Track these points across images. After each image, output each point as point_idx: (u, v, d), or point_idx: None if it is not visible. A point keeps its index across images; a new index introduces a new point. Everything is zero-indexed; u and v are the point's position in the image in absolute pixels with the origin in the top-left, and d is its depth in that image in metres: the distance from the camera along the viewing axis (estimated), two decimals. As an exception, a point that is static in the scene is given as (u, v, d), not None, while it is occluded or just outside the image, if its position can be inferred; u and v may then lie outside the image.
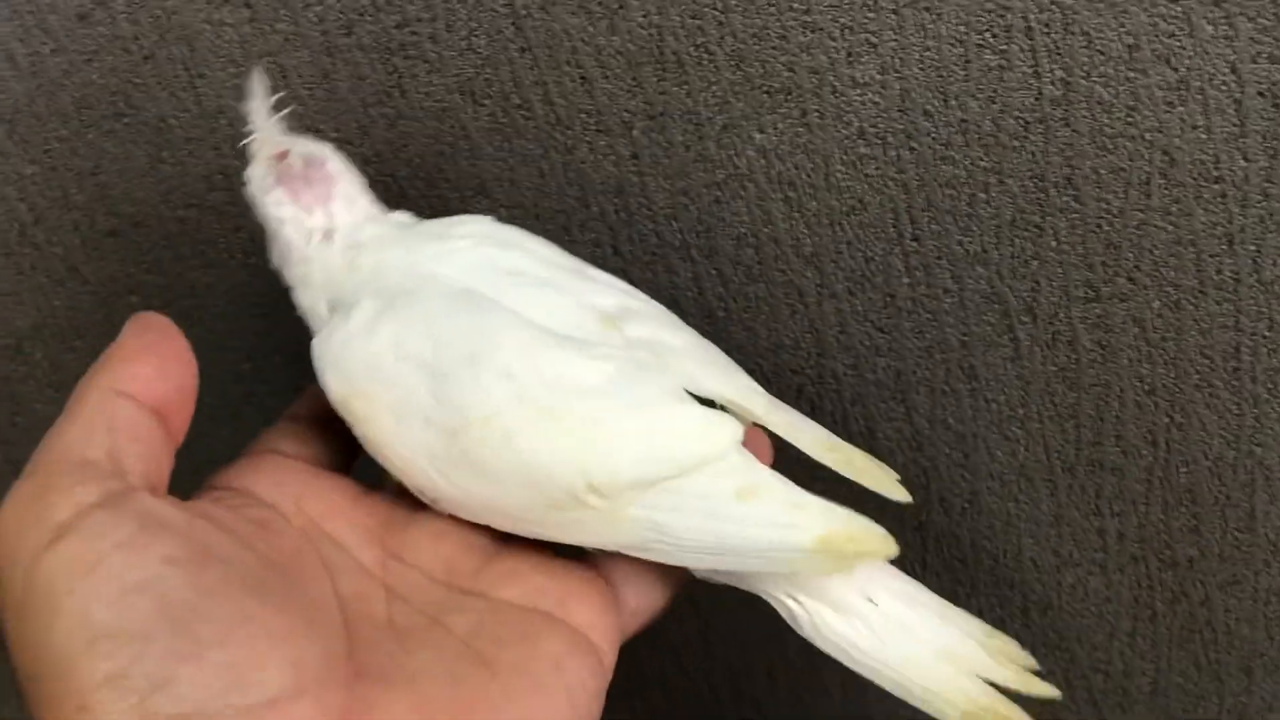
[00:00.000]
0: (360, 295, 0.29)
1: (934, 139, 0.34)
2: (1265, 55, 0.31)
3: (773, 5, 0.33)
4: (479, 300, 0.28)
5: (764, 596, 0.30)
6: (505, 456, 0.27)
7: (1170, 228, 0.34)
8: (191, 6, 0.34)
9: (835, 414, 0.39)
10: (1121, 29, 0.32)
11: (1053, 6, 0.32)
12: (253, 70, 0.30)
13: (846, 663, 0.29)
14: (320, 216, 0.30)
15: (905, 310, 0.37)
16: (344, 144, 0.36)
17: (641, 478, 0.27)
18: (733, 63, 0.33)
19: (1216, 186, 0.33)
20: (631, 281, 0.37)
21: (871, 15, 0.32)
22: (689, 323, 0.38)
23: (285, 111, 0.31)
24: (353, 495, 0.29)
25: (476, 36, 0.34)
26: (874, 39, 0.33)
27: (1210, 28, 0.31)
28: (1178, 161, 0.33)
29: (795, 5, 0.32)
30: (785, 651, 0.46)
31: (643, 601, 0.30)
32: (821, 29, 0.33)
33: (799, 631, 0.29)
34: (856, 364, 0.38)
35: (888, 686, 0.28)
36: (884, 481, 0.30)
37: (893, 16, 0.32)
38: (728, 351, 0.38)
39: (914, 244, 0.36)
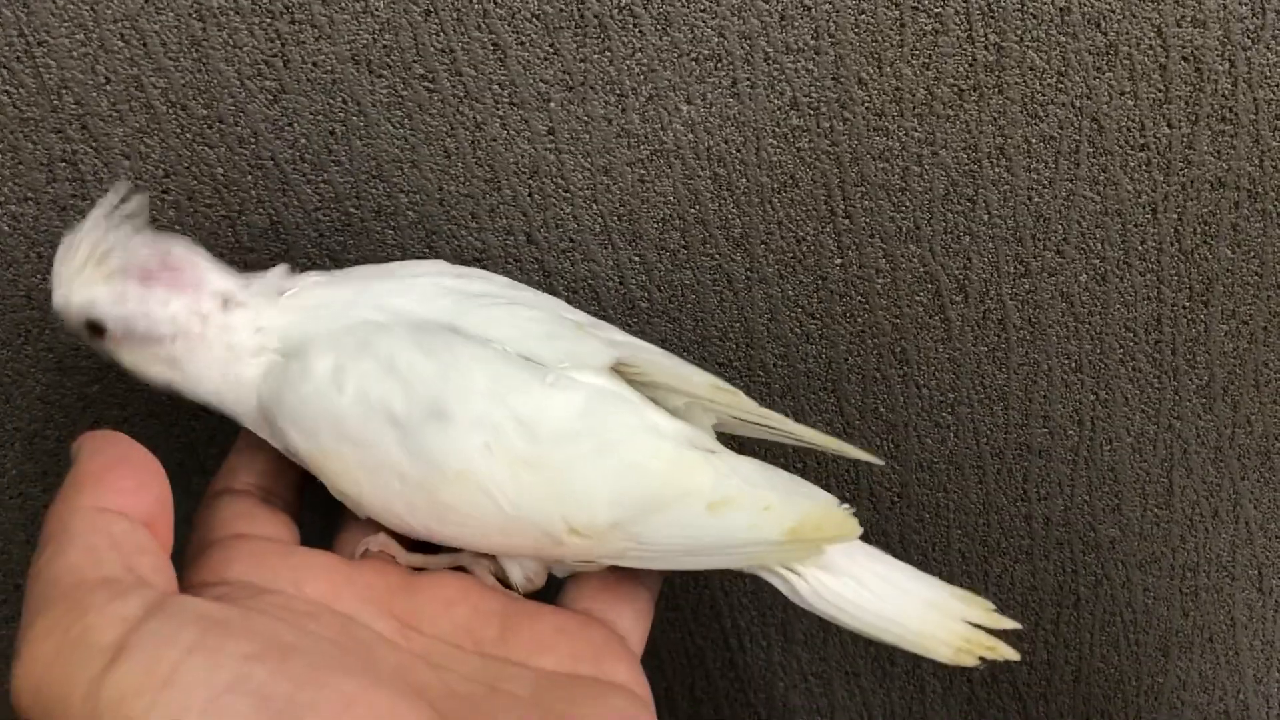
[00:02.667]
0: (310, 338, 0.27)
1: (868, 109, 0.32)
2: (1189, 19, 0.31)
3: (702, -36, 0.30)
4: (443, 335, 0.27)
5: (760, 574, 0.29)
6: (485, 507, 0.27)
7: (1097, 198, 0.34)
8: (29, -40, 0.29)
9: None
10: (1054, -9, 0.31)
11: (987, -33, 0.31)
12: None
13: (846, 622, 0.29)
14: (207, 297, 0.27)
15: (837, 294, 0.35)
16: (215, 122, 0.31)
17: (619, 519, 0.27)
18: (659, 27, 0.31)
19: (1142, 154, 0.33)
20: (547, 272, 0.34)
21: (805, -24, 0.31)
22: (609, 316, 0.35)
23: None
24: (345, 570, 0.28)
25: (374, -3, 0.30)
26: (808, 1, 0.31)
27: (1138, -10, 0.31)
28: (1105, 129, 0.33)
29: (726, -36, 0.30)
30: (708, 672, 0.43)
31: (641, 635, 0.30)
32: (753, -10, 0.31)
33: (798, 602, 0.29)
34: (786, 354, 0.36)
35: (886, 638, 0.29)
36: (849, 448, 0.31)
37: (827, -23, 0.31)
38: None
39: (846, 221, 0.34)
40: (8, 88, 0.30)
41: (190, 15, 0.30)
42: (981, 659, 0.29)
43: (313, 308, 0.28)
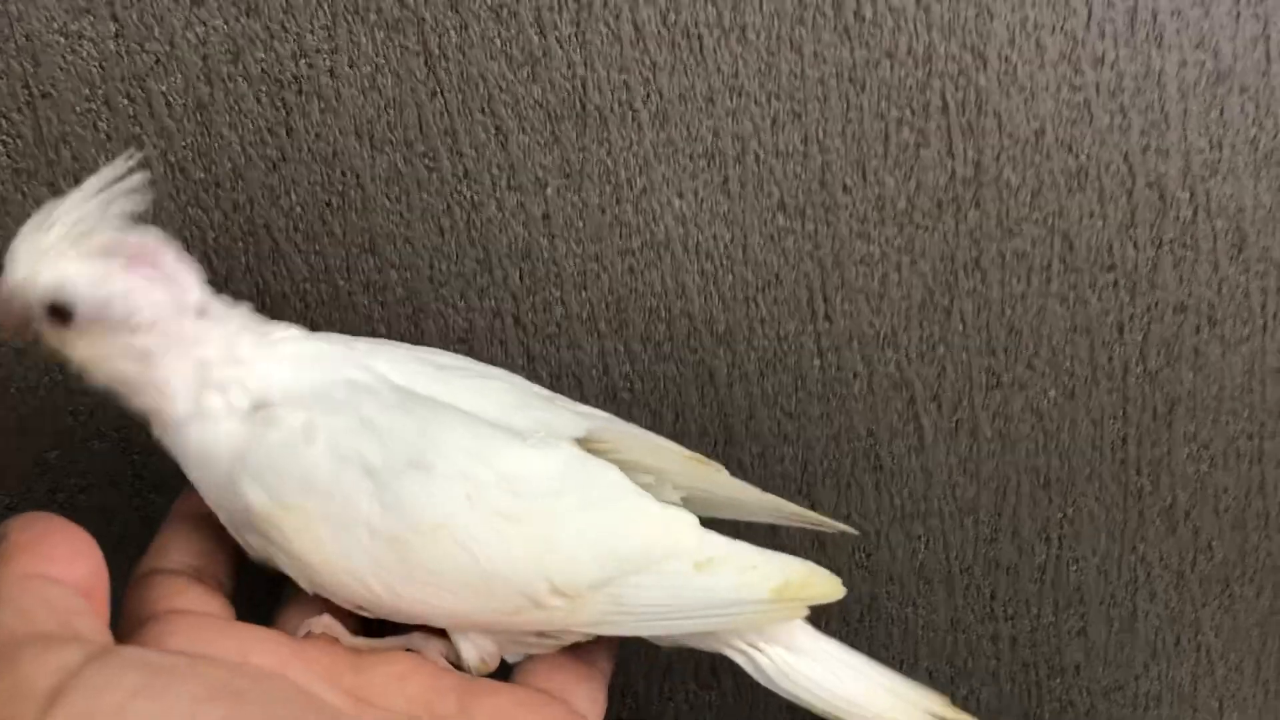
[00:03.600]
0: (287, 390, 0.26)
1: (851, 214, 0.33)
2: (1154, 149, 0.33)
3: (701, 66, 0.32)
4: (419, 398, 0.27)
5: (725, 653, 0.29)
6: (461, 564, 0.26)
7: (1067, 314, 0.35)
8: (43, 13, 0.29)
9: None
10: (1030, 113, 0.33)
11: (969, 87, 0.32)
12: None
13: (811, 702, 0.29)
14: (190, 298, 0.25)
15: (815, 395, 0.35)
16: (212, 186, 0.31)
17: (604, 577, 0.26)
18: (657, 123, 0.32)
19: (1110, 274, 0.35)
20: (531, 358, 0.34)
21: (798, 84, 0.32)
22: (591, 403, 0.35)
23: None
24: (290, 644, 0.26)
25: (383, 75, 0.31)
26: (799, 108, 0.32)
27: (1107, 118, 0.33)
28: (1076, 248, 0.34)
29: (723, 68, 0.32)
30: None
31: (599, 711, 0.29)
32: (748, 94, 0.32)
33: (763, 681, 0.29)
34: (764, 453, 0.36)
35: (845, 717, 0.29)
36: (823, 520, 0.31)
37: (818, 87, 0.32)
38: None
39: (826, 323, 0.34)
40: (5, 137, 0.30)
41: (199, 79, 0.30)
42: None
43: (298, 358, 0.27)
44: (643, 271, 0.33)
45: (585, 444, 0.28)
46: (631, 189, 0.33)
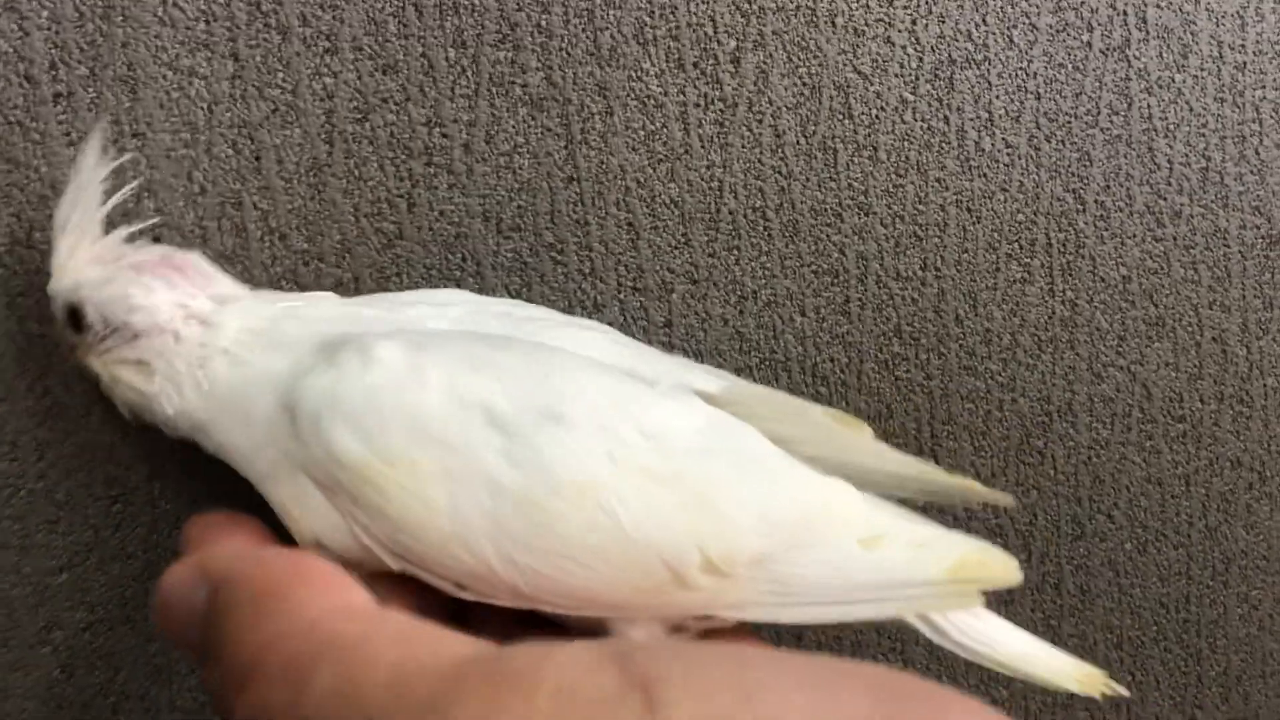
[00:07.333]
0: (353, 335, 0.22)
1: (961, 346, 0.33)
2: (1218, 304, 0.35)
3: (834, 181, 0.31)
4: (528, 343, 0.23)
5: (899, 619, 0.25)
6: (603, 532, 0.22)
7: (1143, 464, 0.35)
8: (153, 42, 0.25)
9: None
10: (1119, 260, 0.34)
11: (1069, 228, 0.33)
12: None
13: (992, 656, 0.26)
14: (205, 300, 0.23)
15: (914, 539, 0.33)
16: (314, 259, 0.27)
17: (764, 551, 0.23)
18: (787, 234, 0.31)
19: (1180, 425, 0.35)
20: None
21: (921, 208, 0.32)
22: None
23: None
24: None
25: (520, 155, 0.28)
26: (920, 233, 0.32)
27: (1182, 270, 0.34)
28: (1153, 396, 0.35)
29: (854, 184, 0.31)
30: None
31: None
32: (875, 214, 0.31)
33: (942, 642, 0.25)
34: (863, 602, 0.33)
35: (1024, 669, 0.26)
36: (980, 489, 0.27)
37: (939, 213, 0.32)
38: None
39: (932, 457, 0.33)
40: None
41: (319, 137, 0.27)
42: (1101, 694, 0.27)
43: (338, 316, 0.23)
44: (761, 391, 0.31)
45: (713, 403, 0.24)
46: (755, 301, 0.31)
